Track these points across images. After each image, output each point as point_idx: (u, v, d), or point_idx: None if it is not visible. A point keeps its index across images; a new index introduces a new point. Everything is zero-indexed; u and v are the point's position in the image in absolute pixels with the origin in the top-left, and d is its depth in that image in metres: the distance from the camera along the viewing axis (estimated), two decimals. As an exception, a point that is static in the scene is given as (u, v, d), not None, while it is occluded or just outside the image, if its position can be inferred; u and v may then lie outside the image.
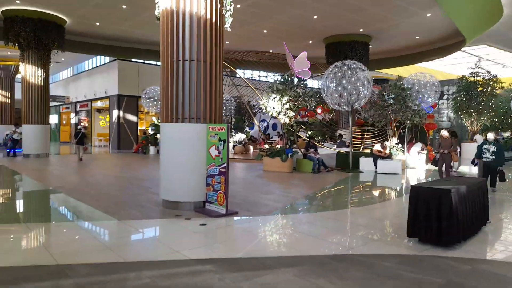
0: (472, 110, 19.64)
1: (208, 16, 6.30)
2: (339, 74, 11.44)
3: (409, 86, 13.58)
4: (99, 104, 26.03)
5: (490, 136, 8.60)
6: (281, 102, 11.69)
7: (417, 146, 15.31)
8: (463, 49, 21.40)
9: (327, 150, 15.11)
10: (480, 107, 19.44)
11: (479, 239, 4.96)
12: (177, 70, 6.32)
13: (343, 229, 5.64)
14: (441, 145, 9.55)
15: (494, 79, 19.18)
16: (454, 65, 31.68)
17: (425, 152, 15.17)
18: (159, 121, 21.30)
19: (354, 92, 11.43)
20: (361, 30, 18.46)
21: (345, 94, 11.48)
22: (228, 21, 6.56)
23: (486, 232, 5.32)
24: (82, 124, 21.64)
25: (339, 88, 11.48)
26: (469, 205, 4.83)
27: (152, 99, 19.59)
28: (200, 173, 6.33)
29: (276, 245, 4.89)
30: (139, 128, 23.30)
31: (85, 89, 26.70)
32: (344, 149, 15.67)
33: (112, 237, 5.27)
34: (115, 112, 22.46)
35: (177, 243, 4.71)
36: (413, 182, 10.92)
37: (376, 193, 9.32)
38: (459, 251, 4.43)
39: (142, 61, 23.34)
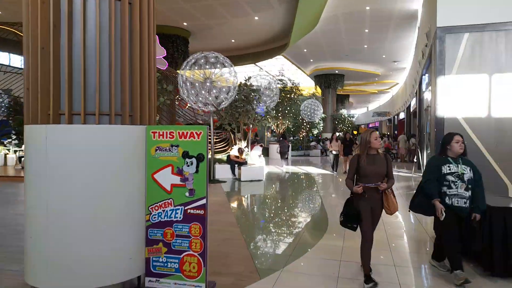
0: (279, 114, 21.20)
1: None
2: (207, 66, 9.37)
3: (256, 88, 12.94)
4: None
5: (456, 145, 3.61)
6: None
7: (257, 150, 14.92)
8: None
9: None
10: (286, 111, 21.24)
11: None
12: (69, 12, 2.97)
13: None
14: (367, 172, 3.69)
15: (297, 86, 21.38)
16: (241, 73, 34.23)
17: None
18: None
19: (224, 89, 9.64)
20: (185, 23, 16.70)
21: (214, 91, 9.51)
22: None
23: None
24: None
25: (208, 84, 9.39)
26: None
27: None
28: (132, 222, 3.17)
29: None
30: None
31: None
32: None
33: None
34: None
35: None
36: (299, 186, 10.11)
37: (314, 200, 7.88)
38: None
39: None
